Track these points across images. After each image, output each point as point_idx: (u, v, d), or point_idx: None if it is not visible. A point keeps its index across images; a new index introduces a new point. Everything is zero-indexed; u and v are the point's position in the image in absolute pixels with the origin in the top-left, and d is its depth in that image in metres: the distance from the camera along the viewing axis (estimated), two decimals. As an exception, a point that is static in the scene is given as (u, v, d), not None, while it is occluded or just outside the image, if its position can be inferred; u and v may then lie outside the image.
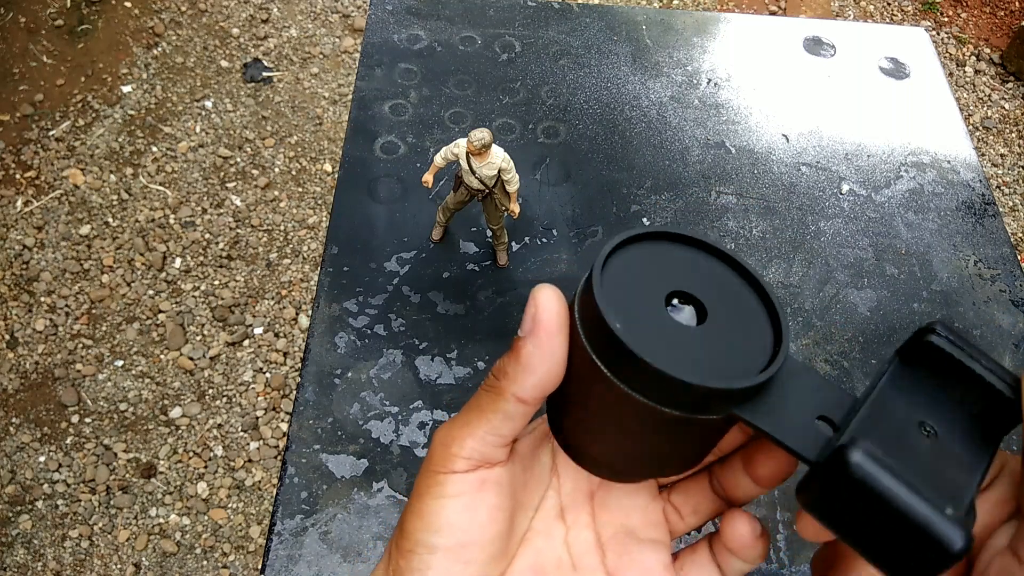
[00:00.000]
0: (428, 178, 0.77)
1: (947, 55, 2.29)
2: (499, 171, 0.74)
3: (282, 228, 1.76)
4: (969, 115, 2.16)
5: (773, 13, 2.31)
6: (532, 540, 0.32)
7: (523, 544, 0.32)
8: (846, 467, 0.23)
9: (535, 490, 0.33)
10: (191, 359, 1.58)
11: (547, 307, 0.27)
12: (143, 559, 1.40)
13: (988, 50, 2.30)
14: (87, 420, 1.52)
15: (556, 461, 0.34)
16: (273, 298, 1.67)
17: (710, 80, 1.03)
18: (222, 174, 1.82)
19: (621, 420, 0.27)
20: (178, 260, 1.70)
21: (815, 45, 1.09)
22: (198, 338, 1.61)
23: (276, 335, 1.62)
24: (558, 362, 0.27)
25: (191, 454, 1.49)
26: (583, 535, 0.33)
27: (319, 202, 1.80)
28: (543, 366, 0.27)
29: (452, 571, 0.29)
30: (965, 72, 2.25)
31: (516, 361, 0.27)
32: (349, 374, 0.75)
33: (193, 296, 1.65)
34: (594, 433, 0.29)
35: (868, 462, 0.22)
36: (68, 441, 1.49)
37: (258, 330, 1.63)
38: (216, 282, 1.68)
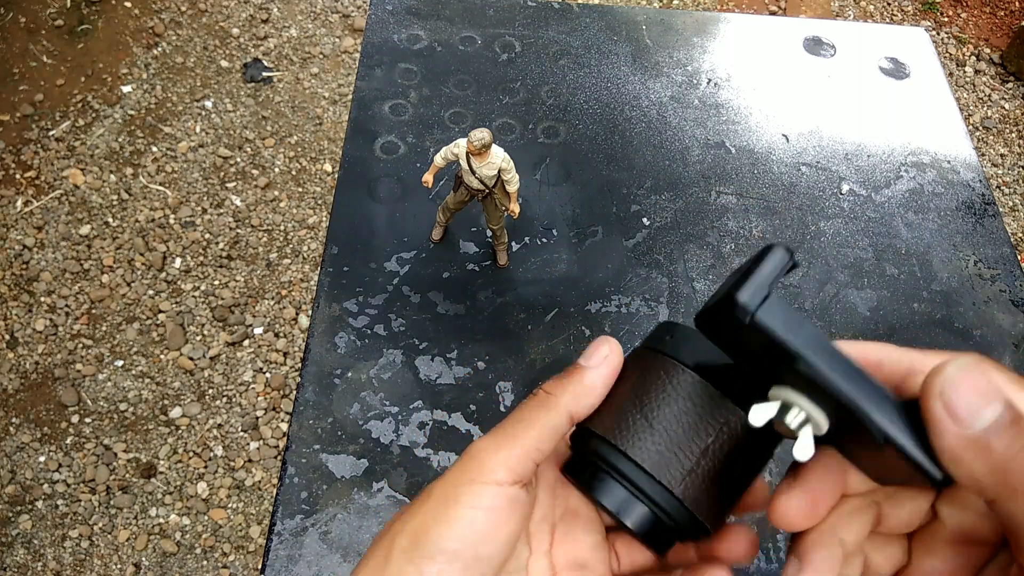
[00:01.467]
0: (428, 178, 0.77)
1: (947, 55, 2.29)
2: (499, 171, 0.74)
3: (282, 228, 1.76)
4: (969, 115, 2.15)
5: (773, 13, 2.31)
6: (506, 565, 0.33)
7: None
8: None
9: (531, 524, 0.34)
10: (191, 359, 1.58)
11: (615, 351, 0.32)
12: (143, 559, 1.40)
13: (988, 50, 2.30)
14: (87, 420, 1.52)
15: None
16: (273, 298, 1.67)
17: (710, 80, 1.03)
18: (222, 174, 1.82)
19: None
20: (178, 260, 1.70)
21: (815, 45, 1.09)
22: (198, 338, 1.61)
23: (276, 335, 1.62)
24: (602, 396, 0.32)
25: (191, 454, 1.49)
26: (541, 563, 0.34)
27: (319, 202, 1.80)
28: (598, 393, 0.32)
29: None
30: (965, 72, 2.25)
31: (579, 383, 0.32)
32: (349, 374, 0.75)
33: (193, 296, 1.65)
34: None
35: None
36: (68, 441, 1.49)
37: (258, 330, 1.63)
38: (216, 282, 1.68)
